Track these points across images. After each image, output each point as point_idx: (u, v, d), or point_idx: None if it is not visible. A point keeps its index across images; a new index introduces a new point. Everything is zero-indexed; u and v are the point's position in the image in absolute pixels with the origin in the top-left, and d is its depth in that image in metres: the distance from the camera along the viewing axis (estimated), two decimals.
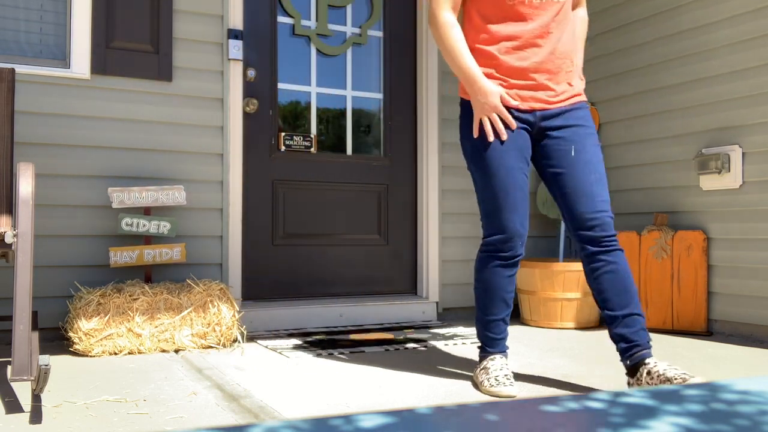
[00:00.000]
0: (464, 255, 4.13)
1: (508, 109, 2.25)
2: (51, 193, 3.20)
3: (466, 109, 2.33)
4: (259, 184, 3.73)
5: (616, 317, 2.22)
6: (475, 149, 2.29)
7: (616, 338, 2.24)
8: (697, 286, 3.53)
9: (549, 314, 3.75)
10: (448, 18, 2.29)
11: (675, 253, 3.58)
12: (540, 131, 2.29)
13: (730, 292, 3.46)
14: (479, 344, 2.46)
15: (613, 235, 2.24)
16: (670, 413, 0.47)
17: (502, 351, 2.42)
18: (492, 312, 2.36)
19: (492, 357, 2.39)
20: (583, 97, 2.34)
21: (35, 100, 3.17)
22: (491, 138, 2.22)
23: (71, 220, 3.23)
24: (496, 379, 2.27)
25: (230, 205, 3.54)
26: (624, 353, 2.22)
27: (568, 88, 2.30)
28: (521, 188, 2.27)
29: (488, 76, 2.26)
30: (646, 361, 2.17)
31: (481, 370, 2.38)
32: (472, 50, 2.30)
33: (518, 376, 2.55)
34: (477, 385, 2.37)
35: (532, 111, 2.27)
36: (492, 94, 2.21)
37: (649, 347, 2.21)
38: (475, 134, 2.26)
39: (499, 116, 2.23)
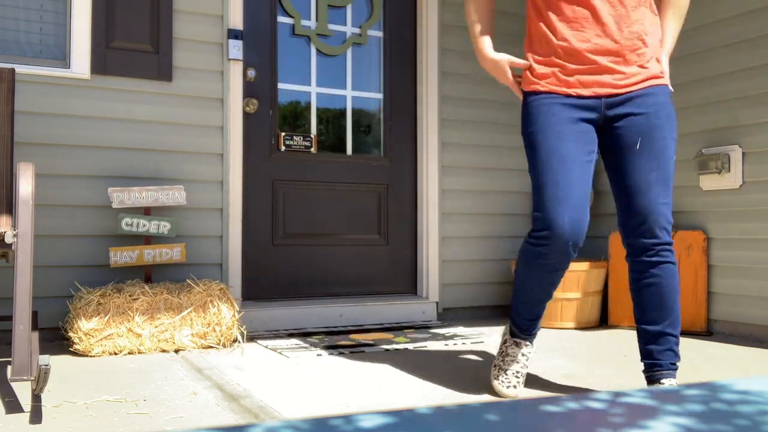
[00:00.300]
0: (464, 255, 4.13)
1: (570, 96, 2.06)
2: (51, 193, 3.20)
3: (524, 99, 2.16)
4: (259, 184, 3.73)
5: (645, 331, 2.11)
6: (529, 137, 2.10)
7: (641, 353, 2.15)
8: (697, 286, 3.53)
9: (549, 314, 3.75)
10: None
11: (674, 253, 3.58)
12: (607, 120, 2.08)
13: (730, 292, 3.46)
14: (509, 322, 2.34)
15: (664, 244, 2.06)
16: (670, 413, 0.47)
17: (529, 334, 2.28)
18: (526, 299, 2.20)
19: (516, 342, 2.29)
20: (661, 81, 2.09)
21: (35, 100, 3.17)
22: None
23: (71, 220, 3.23)
24: (506, 377, 2.24)
25: (230, 205, 3.54)
26: (645, 370, 2.14)
27: (640, 70, 2.05)
28: (576, 181, 2.01)
29: (546, 63, 2.09)
30: (662, 381, 2.08)
31: (500, 354, 2.32)
32: (531, 33, 2.15)
33: None
34: (492, 367, 2.33)
35: (596, 96, 2.05)
36: (489, 62, 2.20)
37: (672, 368, 2.10)
38: (519, 95, 2.20)
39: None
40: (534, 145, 2.07)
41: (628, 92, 2.05)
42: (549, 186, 2.01)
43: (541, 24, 2.11)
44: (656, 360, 2.11)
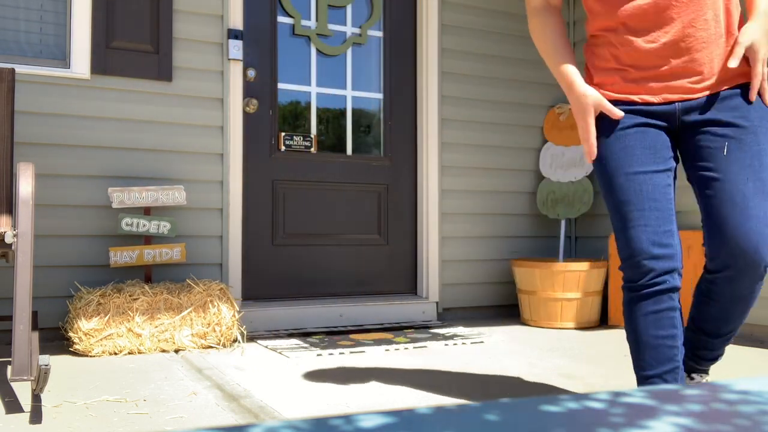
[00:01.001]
0: (464, 255, 4.13)
1: (635, 103, 1.79)
2: (51, 193, 3.20)
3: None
4: (259, 184, 3.73)
5: (702, 337, 1.91)
6: (598, 153, 1.83)
7: (685, 343, 1.94)
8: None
9: (549, 314, 3.75)
10: (536, 3, 1.91)
11: None
12: (684, 126, 1.79)
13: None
14: None
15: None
16: (670, 413, 0.46)
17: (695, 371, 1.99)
18: (639, 364, 1.79)
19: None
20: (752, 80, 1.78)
21: (35, 100, 3.17)
22: (593, 149, 1.80)
23: (71, 220, 3.23)
24: None
25: (230, 205, 3.54)
26: (685, 361, 1.97)
27: (721, 70, 1.75)
28: (652, 197, 1.74)
29: (608, 68, 1.82)
30: (692, 375, 2.00)
31: None
32: (592, 38, 1.88)
33: (519, 377, 2.55)
34: None
35: (668, 102, 1.77)
36: (582, 104, 1.79)
37: (703, 368, 1.97)
38: (588, 157, 1.83)
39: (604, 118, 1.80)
40: (600, 161, 1.82)
41: (705, 96, 1.77)
42: (621, 210, 1.79)
43: (599, 21, 1.86)
44: (691, 357, 1.96)
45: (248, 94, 3.68)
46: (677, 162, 1.83)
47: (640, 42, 1.76)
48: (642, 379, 1.79)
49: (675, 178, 1.81)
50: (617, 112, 1.76)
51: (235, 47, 3.55)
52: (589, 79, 1.88)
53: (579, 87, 1.80)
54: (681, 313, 1.77)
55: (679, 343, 1.75)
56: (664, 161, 1.77)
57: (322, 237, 3.87)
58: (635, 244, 1.72)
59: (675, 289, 1.73)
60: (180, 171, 3.44)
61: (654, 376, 1.76)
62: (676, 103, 1.77)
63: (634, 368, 1.81)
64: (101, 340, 2.85)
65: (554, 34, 1.88)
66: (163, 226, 3.23)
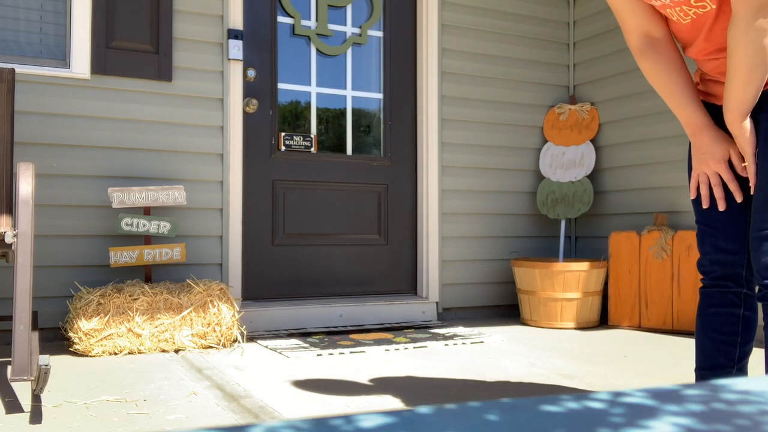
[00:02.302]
0: (464, 255, 4.13)
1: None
2: (51, 193, 3.20)
3: None
4: (259, 184, 3.73)
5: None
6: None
7: None
8: (697, 286, 3.52)
9: (549, 314, 3.75)
10: (635, 43, 1.71)
11: (675, 253, 3.58)
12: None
13: None
14: None
15: None
16: (670, 413, 0.46)
17: None
18: (697, 359, 1.78)
19: None
20: None
21: (35, 100, 3.17)
22: (705, 204, 1.70)
23: (71, 220, 3.23)
24: None
25: (230, 205, 3.54)
26: None
27: None
28: (728, 204, 1.68)
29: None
30: None
31: None
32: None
33: (519, 377, 2.55)
34: None
35: None
36: (711, 162, 1.65)
37: None
38: (692, 195, 1.75)
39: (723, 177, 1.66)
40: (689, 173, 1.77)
41: None
42: (696, 216, 1.77)
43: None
44: None
45: (248, 94, 3.68)
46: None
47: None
48: (696, 371, 1.80)
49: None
50: (751, 172, 1.62)
51: (235, 47, 3.55)
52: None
53: (709, 139, 1.65)
54: (750, 318, 1.72)
55: (741, 345, 1.72)
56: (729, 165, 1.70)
57: (322, 237, 3.87)
58: (703, 247, 1.72)
59: (742, 293, 1.70)
60: (180, 171, 3.44)
61: (704, 369, 1.77)
62: None
63: (696, 364, 1.81)
64: (101, 340, 2.85)
65: (672, 74, 1.67)
66: (163, 226, 3.23)
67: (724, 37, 1.60)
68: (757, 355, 2.99)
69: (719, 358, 1.73)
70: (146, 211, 3.23)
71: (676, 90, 1.67)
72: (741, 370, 1.75)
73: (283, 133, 3.78)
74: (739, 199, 1.66)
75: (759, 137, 1.62)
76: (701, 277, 1.77)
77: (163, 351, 2.97)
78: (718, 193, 1.66)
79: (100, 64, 3.29)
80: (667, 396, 0.50)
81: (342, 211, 3.92)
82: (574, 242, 4.44)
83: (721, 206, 1.67)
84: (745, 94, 1.55)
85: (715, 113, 1.71)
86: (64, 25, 3.30)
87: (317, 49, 3.90)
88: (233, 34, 3.55)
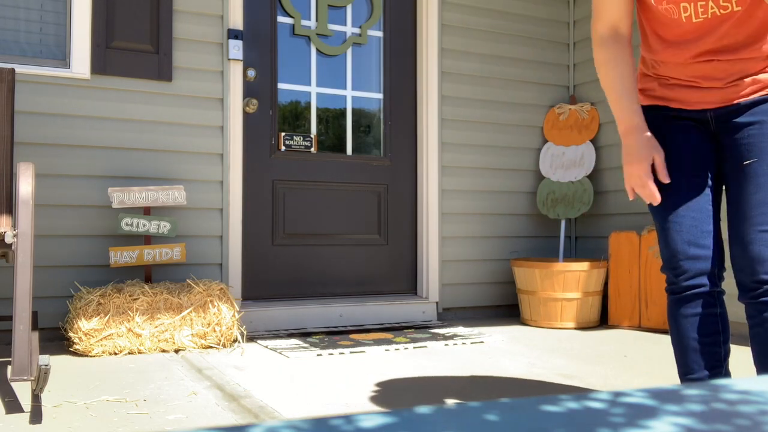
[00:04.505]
0: (464, 255, 4.13)
1: (670, 109, 1.74)
2: (51, 193, 3.20)
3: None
4: (259, 184, 3.73)
5: None
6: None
7: None
8: None
9: (549, 314, 3.75)
10: (602, 31, 1.74)
11: None
12: (718, 129, 1.73)
13: (730, 291, 3.46)
14: None
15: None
16: (671, 413, 0.46)
17: None
18: (684, 367, 1.74)
19: None
20: None
21: (35, 100, 3.17)
22: (654, 200, 1.70)
23: (71, 220, 3.23)
24: None
25: (230, 205, 3.54)
26: None
27: (752, 78, 1.67)
28: (690, 199, 1.69)
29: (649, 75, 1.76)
30: None
31: None
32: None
33: (519, 377, 2.55)
34: None
35: (702, 109, 1.72)
36: (635, 164, 1.68)
37: None
38: (630, 196, 1.75)
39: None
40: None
41: (738, 102, 1.69)
42: (661, 214, 1.75)
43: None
44: None
45: (248, 94, 3.68)
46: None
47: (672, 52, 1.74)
48: (682, 379, 1.77)
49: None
50: (665, 178, 1.69)
51: (235, 47, 3.55)
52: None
53: (636, 146, 1.69)
54: (725, 315, 1.72)
55: (724, 344, 1.71)
56: (705, 167, 1.72)
57: (322, 237, 3.87)
58: (672, 245, 1.70)
59: (716, 292, 1.68)
60: (180, 171, 3.44)
61: (698, 380, 1.72)
62: (708, 111, 1.72)
63: (679, 371, 1.77)
64: (101, 340, 2.85)
65: (623, 71, 1.71)
66: (163, 226, 3.23)
67: (739, 40, 1.61)
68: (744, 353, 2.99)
69: (708, 361, 1.70)
70: (146, 211, 3.23)
71: (622, 87, 1.70)
72: (726, 368, 1.74)
73: (283, 133, 3.78)
74: (655, 202, 1.68)
75: (756, 138, 1.64)
76: (668, 279, 1.72)
77: (163, 351, 2.97)
78: (644, 192, 1.68)
79: (100, 64, 3.29)
80: (667, 396, 0.50)
81: (342, 211, 3.92)
82: (574, 242, 4.44)
83: (655, 201, 1.68)
84: None
85: (667, 116, 1.75)
86: (64, 25, 3.30)
87: (317, 49, 3.90)
88: (233, 34, 3.55)
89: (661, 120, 1.77)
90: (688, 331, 1.70)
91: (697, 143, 1.73)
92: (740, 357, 2.92)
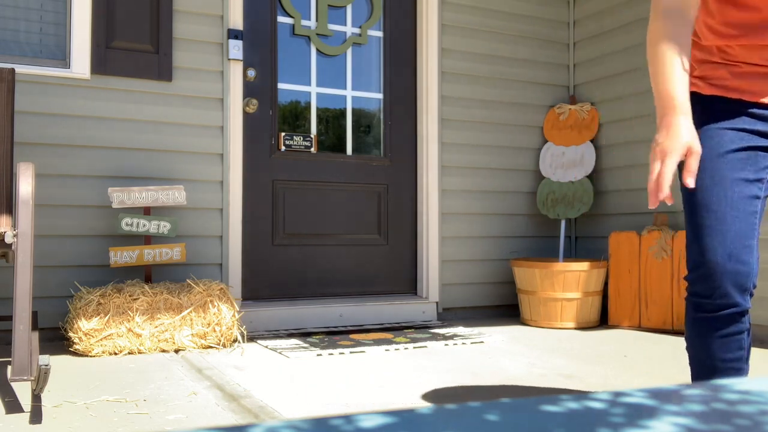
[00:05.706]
0: (464, 255, 4.13)
1: (740, 102, 1.56)
2: (51, 193, 3.20)
3: (694, 105, 1.62)
4: (259, 184, 3.73)
5: None
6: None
7: None
8: None
9: (549, 314, 3.75)
10: (668, 4, 1.51)
11: (675, 253, 3.58)
12: None
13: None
14: None
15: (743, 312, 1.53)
16: (671, 413, 0.46)
17: None
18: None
19: None
20: None
21: (35, 100, 3.17)
22: (662, 193, 1.43)
23: (71, 220, 3.23)
24: None
25: (230, 205, 3.54)
26: None
27: None
28: (738, 206, 1.53)
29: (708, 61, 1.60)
30: None
31: None
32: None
33: (519, 377, 2.55)
34: None
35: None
36: (676, 142, 1.42)
37: None
38: (650, 183, 1.46)
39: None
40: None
41: None
42: (699, 215, 1.59)
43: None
44: None
45: (248, 94, 3.68)
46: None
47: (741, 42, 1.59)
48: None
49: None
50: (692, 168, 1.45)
51: (235, 47, 3.55)
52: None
53: (688, 116, 1.46)
54: (750, 330, 1.60)
55: (746, 362, 1.62)
56: (757, 172, 1.56)
57: (322, 237, 3.87)
58: (710, 255, 1.53)
59: (746, 311, 1.56)
60: (180, 171, 3.44)
61: None
62: None
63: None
64: (101, 340, 2.85)
65: (682, 48, 1.48)
66: (163, 226, 3.23)
67: None
68: (756, 354, 2.99)
69: (730, 378, 1.59)
70: (146, 211, 3.23)
71: (673, 61, 1.48)
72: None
73: (283, 133, 3.78)
74: (652, 205, 1.44)
75: None
76: (695, 291, 1.57)
77: (163, 351, 2.97)
78: (651, 187, 1.44)
79: (100, 64, 3.29)
80: (667, 396, 0.50)
81: (342, 211, 3.93)
82: (574, 242, 4.44)
83: (652, 203, 1.44)
84: None
85: (736, 110, 1.56)
86: (64, 24, 3.30)
87: (317, 49, 3.90)
88: (233, 34, 3.55)
89: (727, 113, 1.57)
90: (715, 353, 1.58)
91: (764, 144, 1.56)
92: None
